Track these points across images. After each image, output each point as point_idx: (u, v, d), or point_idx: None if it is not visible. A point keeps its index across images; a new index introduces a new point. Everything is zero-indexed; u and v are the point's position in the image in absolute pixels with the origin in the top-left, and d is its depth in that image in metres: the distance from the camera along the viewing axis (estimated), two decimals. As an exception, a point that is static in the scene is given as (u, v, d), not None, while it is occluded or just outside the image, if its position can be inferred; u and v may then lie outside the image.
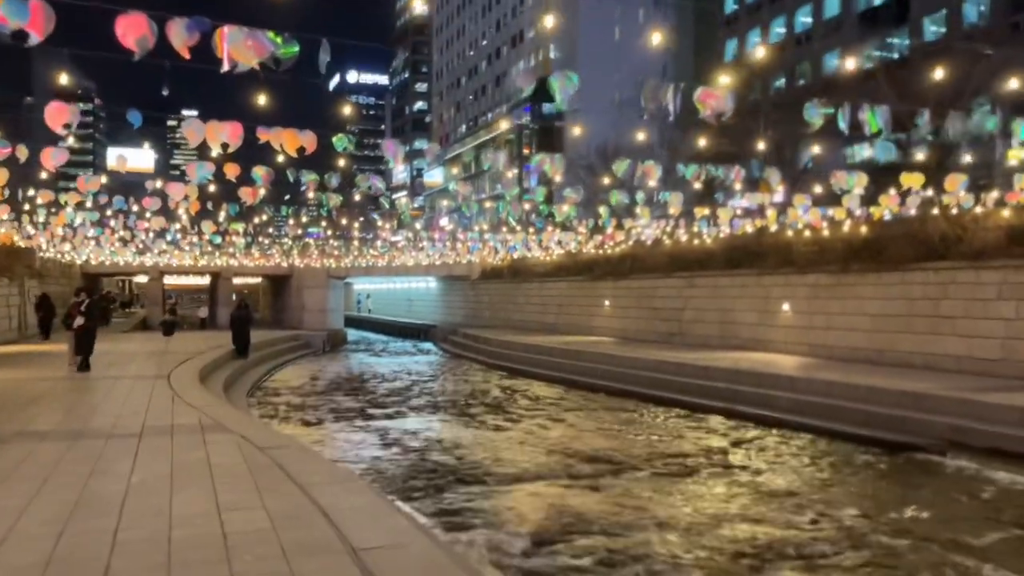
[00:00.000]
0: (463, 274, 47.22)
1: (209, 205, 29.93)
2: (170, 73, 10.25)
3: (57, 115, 10.94)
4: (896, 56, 44.06)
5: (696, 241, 29.39)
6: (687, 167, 19.14)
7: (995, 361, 16.93)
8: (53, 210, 27.82)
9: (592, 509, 10.31)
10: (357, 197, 27.40)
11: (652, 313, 29.25)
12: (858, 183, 18.80)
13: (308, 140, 12.73)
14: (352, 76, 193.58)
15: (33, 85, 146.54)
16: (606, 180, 29.28)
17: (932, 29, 45.05)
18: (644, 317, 29.71)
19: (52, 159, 13.92)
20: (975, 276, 17.72)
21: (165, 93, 10.06)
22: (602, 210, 29.62)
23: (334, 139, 15.21)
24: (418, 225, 57.97)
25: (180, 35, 7.97)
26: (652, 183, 18.23)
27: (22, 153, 14.92)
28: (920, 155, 22.94)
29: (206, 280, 56.27)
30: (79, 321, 17.67)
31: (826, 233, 23.25)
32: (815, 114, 12.63)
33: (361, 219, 49.58)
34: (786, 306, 22.83)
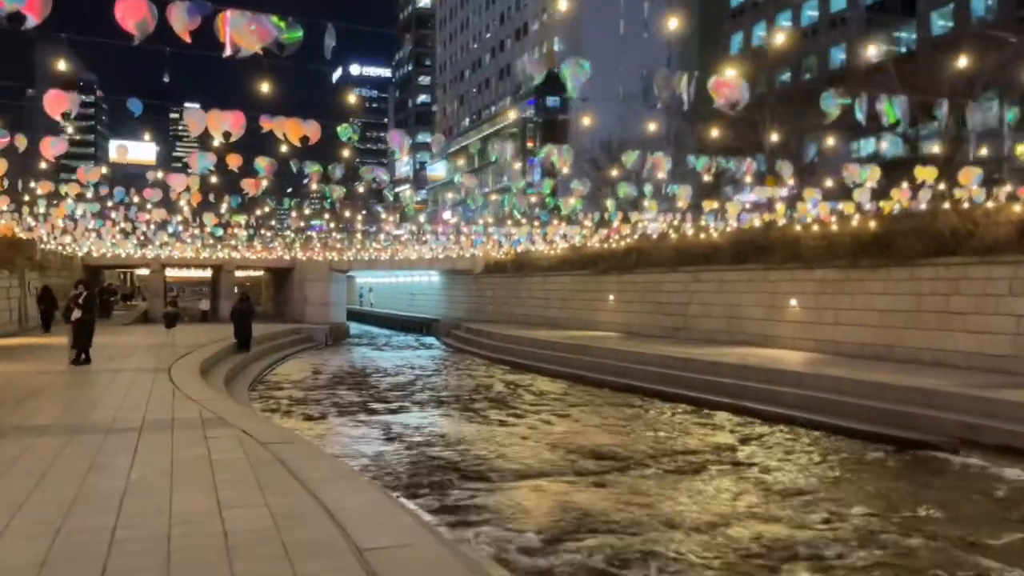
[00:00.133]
0: (466, 268, 47.05)
1: (211, 197, 29.79)
2: (171, 62, 10.06)
3: (56, 103, 10.75)
4: (904, 50, 43.78)
5: (702, 235, 29.17)
6: (698, 159, 18.91)
7: (1006, 357, 16.73)
8: (54, 202, 27.68)
9: (599, 506, 10.14)
10: (361, 189, 27.19)
11: (657, 308, 29.06)
12: (871, 176, 18.57)
13: (312, 129, 12.53)
14: (355, 69, 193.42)
15: (35, 78, 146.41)
16: (612, 173, 29.08)
17: (940, 23, 44.79)
18: (649, 312, 29.52)
19: (51, 148, 13.74)
20: (986, 271, 17.51)
21: (166, 80, 9.85)
22: (609, 203, 29.43)
23: (338, 128, 15.01)
24: (422, 218, 57.79)
25: (181, 18, 7.76)
26: (661, 175, 18.01)
27: (21, 143, 14.75)
28: (929, 149, 22.77)
29: (208, 273, 56.13)
30: (76, 314, 17.53)
31: (834, 228, 23.03)
32: (832, 104, 12.39)
33: (364, 212, 49.37)
34: (793, 301, 22.63)
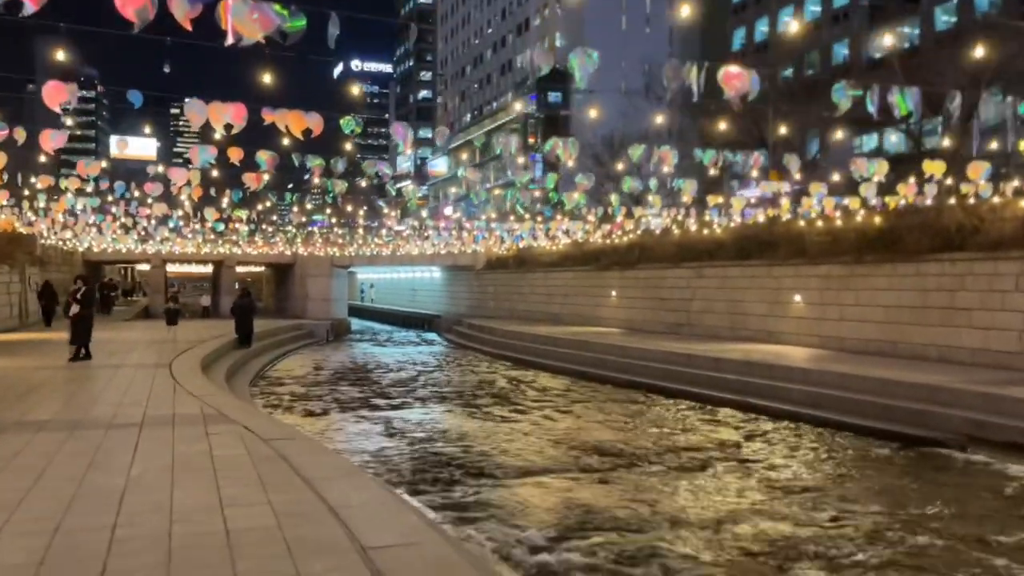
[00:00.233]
0: (468, 264, 46.95)
1: (212, 191, 29.66)
2: (172, 53, 9.94)
3: (55, 94, 10.62)
4: (907, 45, 43.58)
5: (706, 231, 29.04)
6: (704, 152, 18.76)
7: (1012, 354, 16.61)
8: (54, 196, 27.57)
9: (604, 504, 10.04)
10: (363, 184, 27.08)
11: (659, 304, 28.94)
12: (879, 171, 18.42)
13: (315, 122, 12.38)
14: (356, 64, 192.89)
15: (36, 74, 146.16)
16: (616, 168, 28.94)
17: (944, 19, 44.60)
18: (651, 308, 29.40)
19: (51, 141, 13.61)
20: (992, 267, 17.38)
21: (167, 70, 9.72)
22: (613, 198, 29.29)
23: (341, 121, 14.87)
24: (424, 213, 57.65)
25: (182, 6, 7.62)
26: (667, 169, 17.86)
27: (20, 135, 14.62)
28: (931, 144, 22.64)
29: (209, 268, 56.04)
30: (74, 309, 17.44)
31: (839, 223, 22.89)
32: (843, 96, 12.24)
33: (365, 208, 49.30)
34: (798, 297, 22.51)
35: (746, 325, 24.39)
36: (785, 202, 24.61)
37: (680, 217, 30.44)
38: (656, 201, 27.95)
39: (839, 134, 28.19)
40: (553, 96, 72.53)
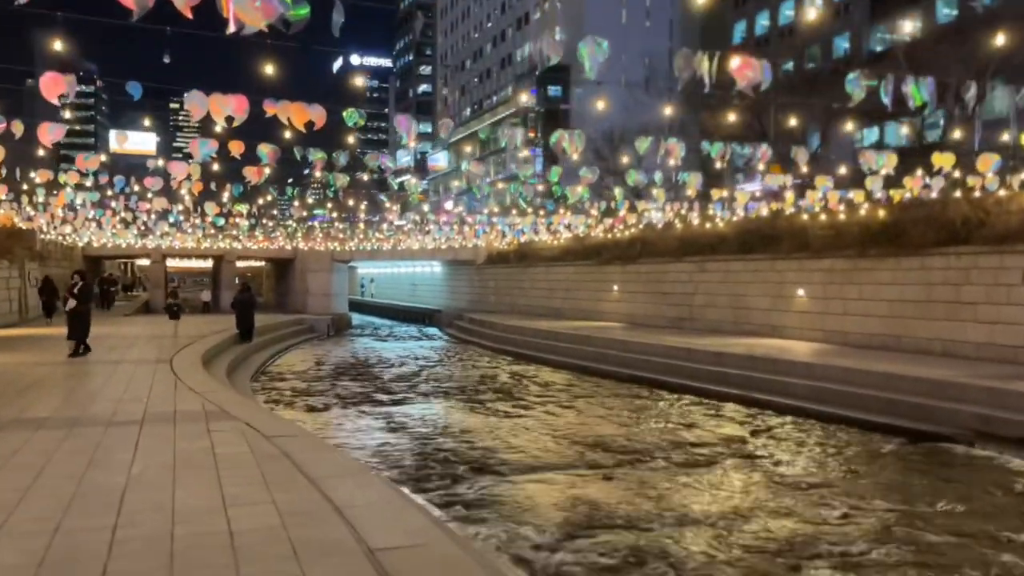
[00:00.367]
0: (469, 258, 46.82)
1: (212, 185, 29.52)
2: (171, 43, 9.79)
3: (52, 86, 10.48)
4: (908, 39, 43.40)
5: (708, 225, 28.90)
6: (712, 145, 18.63)
7: (1018, 348, 16.49)
8: (53, 191, 27.43)
9: (610, 501, 9.92)
10: (365, 177, 26.95)
11: (661, 298, 28.82)
12: (887, 163, 18.27)
13: (317, 114, 12.23)
14: (355, 59, 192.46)
15: (35, 69, 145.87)
16: (618, 161, 28.79)
17: (945, 12, 44.38)
18: (653, 302, 29.29)
19: (49, 134, 13.47)
20: (998, 261, 17.24)
21: (167, 60, 9.57)
22: (617, 191, 29.14)
23: (344, 113, 14.72)
24: (425, 207, 57.52)
25: (182, -7, 7.48)
26: (673, 162, 17.72)
27: (17, 129, 14.49)
28: (932, 137, 22.50)
29: (209, 263, 55.89)
30: (71, 304, 17.33)
31: (842, 217, 22.75)
32: (857, 87, 12.09)
33: (366, 202, 49.16)
34: (801, 291, 22.38)
35: (749, 319, 24.26)
36: (789, 196, 24.46)
37: (683, 211, 30.28)
38: (660, 195, 27.78)
39: (842, 127, 28.02)
40: (553, 90, 72.29)
